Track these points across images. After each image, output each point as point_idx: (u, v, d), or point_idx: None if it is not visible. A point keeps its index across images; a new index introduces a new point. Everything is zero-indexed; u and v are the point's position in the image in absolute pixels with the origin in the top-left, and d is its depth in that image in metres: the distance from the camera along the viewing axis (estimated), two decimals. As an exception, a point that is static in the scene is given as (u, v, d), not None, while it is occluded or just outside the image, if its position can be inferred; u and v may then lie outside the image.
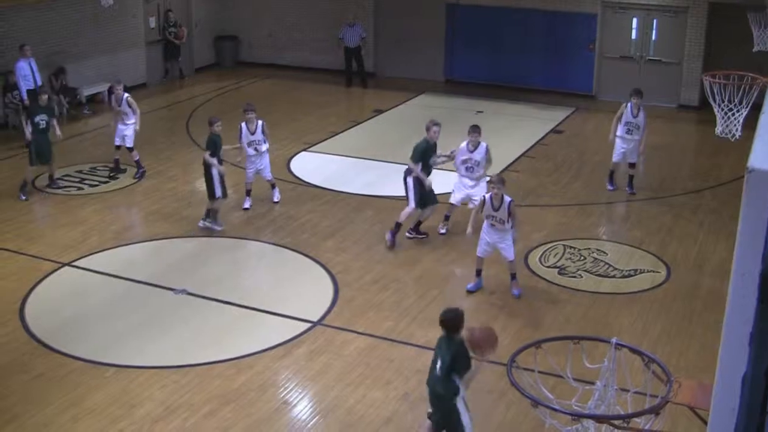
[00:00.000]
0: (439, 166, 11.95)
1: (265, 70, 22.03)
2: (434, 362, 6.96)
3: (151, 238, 12.05)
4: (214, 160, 11.78)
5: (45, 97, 13.74)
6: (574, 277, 10.79)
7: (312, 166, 15.11)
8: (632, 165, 13.58)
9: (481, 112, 17.98)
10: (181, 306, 10.06)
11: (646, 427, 5.28)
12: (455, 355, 6.82)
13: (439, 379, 6.88)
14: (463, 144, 11.65)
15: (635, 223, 12.88)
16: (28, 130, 13.29)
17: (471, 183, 11.58)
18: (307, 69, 21.84)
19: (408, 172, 11.57)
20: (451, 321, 6.92)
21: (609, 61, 19.74)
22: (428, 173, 11.57)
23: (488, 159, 11.60)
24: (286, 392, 8.41)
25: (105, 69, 19.01)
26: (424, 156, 11.48)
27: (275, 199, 13.16)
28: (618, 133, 13.27)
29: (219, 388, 8.34)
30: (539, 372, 5.80)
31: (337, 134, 17.06)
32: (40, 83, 16.41)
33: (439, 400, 6.99)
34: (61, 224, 12.48)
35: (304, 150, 15.85)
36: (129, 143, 14.22)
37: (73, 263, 11.11)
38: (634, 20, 19.44)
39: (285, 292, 10.47)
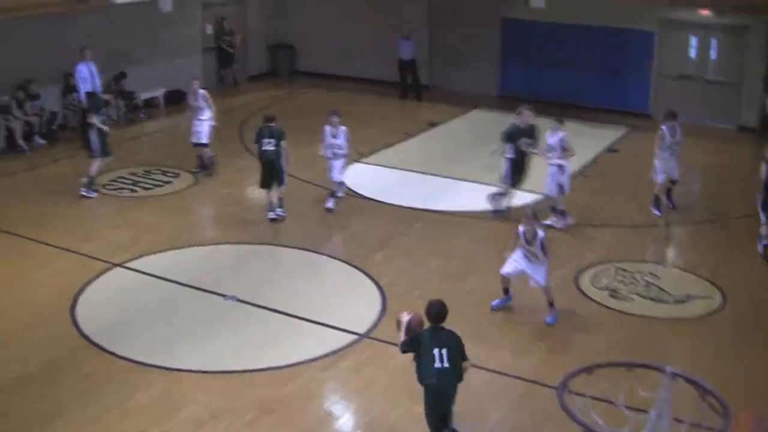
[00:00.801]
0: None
1: (320, 80, 22.14)
2: (434, 356, 7.06)
3: (204, 243, 12.16)
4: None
5: (106, 97, 14.24)
6: (626, 300, 10.59)
7: (364, 177, 15.12)
8: (675, 181, 13.59)
9: (535, 128, 17.78)
10: (230, 312, 10.11)
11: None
12: (461, 345, 7.20)
13: (450, 372, 7.06)
14: (548, 132, 12.79)
15: (690, 246, 12.62)
16: (98, 119, 13.55)
17: (549, 166, 12.60)
18: (363, 80, 21.87)
19: (502, 152, 12.92)
20: (443, 312, 7.31)
21: (666, 80, 19.41)
22: (521, 156, 12.83)
23: (564, 147, 12.50)
24: (329, 404, 8.38)
25: (161, 74, 19.30)
26: (510, 137, 12.80)
27: (329, 205, 13.21)
28: (664, 156, 13.19)
29: (263, 396, 8.34)
30: (590, 397, 5.68)
31: (390, 146, 17.05)
32: (99, 86, 16.73)
33: (449, 389, 7.14)
34: (115, 225, 12.66)
35: (357, 161, 15.86)
36: (204, 139, 14.52)
37: (125, 264, 11.26)
38: (693, 39, 19.11)
39: (333, 302, 10.45)
